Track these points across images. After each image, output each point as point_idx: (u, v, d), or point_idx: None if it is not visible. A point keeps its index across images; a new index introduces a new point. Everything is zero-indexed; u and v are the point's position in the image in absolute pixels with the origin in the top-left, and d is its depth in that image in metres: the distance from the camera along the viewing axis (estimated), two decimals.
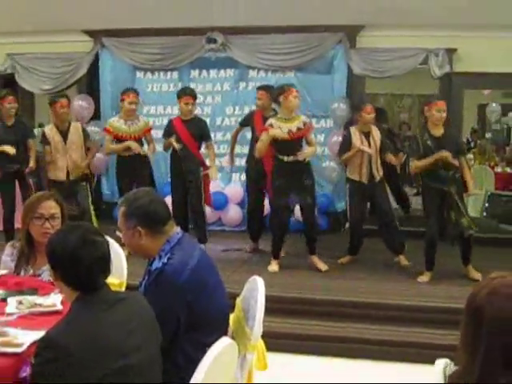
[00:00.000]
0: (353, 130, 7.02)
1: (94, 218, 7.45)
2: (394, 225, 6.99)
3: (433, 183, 6.37)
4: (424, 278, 6.45)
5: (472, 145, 12.13)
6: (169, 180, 7.98)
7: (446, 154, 6.22)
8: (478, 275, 6.32)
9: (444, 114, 6.35)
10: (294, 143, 6.59)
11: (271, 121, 6.61)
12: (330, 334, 5.54)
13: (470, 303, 2.10)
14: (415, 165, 6.41)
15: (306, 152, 6.62)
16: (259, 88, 7.57)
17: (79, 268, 2.44)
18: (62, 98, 7.37)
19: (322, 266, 6.74)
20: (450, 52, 8.48)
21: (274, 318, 5.07)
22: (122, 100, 7.37)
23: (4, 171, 7.45)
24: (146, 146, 7.57)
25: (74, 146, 7.41)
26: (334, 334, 5.52)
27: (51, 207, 3.67)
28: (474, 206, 10.70)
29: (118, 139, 7.34)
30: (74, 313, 2.41)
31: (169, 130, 7.43)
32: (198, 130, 7.37)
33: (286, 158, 6.57)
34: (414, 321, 5.59)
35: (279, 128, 6.51)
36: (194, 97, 7.41)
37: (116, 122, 7.38)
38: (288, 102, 6.53)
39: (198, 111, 9.19)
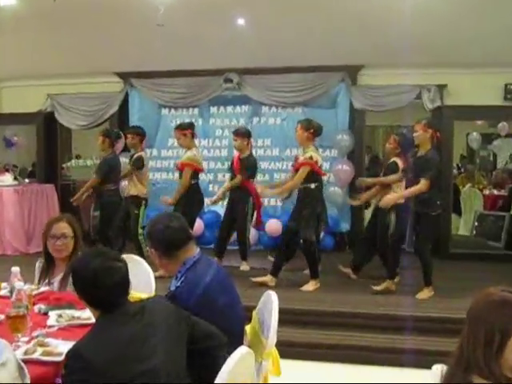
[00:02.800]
0: None
1: (142, 240, 7.35)
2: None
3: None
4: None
5: (462, 170, 12.08)
6: None
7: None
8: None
9: (415, 134, 6.04)
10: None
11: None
12: (339, 342, 5.49)
13: (473, 314, 2.10)
14: None
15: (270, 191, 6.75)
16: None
17: (99, 292, 2.45)
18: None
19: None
20: (441, 88, 8.51)
21: (287, 329, 5.03)
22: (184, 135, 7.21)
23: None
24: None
25: None
26: (343, 343, 5.47)
27: (62, 228, 3.76)
28: (464, 225, 10.67)
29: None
30: (97, 328, 2.43)
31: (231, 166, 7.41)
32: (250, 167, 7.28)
33: None
34: (410, 329, 5.48)
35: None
36: (241, 135, 7.24)
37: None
38: None
39: (216, 143, 9.27)
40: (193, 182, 7.13)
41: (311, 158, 6.38)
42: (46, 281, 3.78)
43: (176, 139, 7.36)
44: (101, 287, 2.44)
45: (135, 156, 7.44)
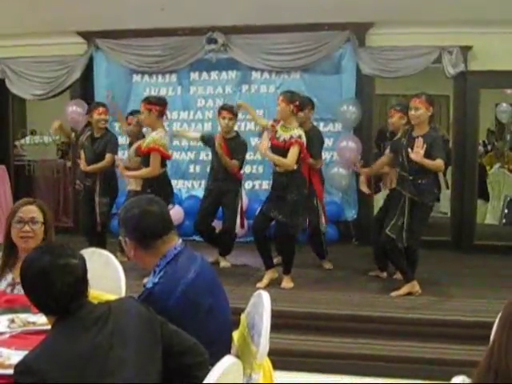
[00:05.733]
0: None
1: None
2: None
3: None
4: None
5: (489, 147, 12.10)
6: None
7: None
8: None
9: (414, 112, 6.03)
10: (278, 154, 6.46)
11: (277, 125, 6.60)
12: (342, 350, 5.50)
13: (506, 317, 2.11)
14: None
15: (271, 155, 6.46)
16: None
17: (49, 295, 2.43)
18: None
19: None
20: (465, 50, 8.46)
21: (281, 335, 5.05)
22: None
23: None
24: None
25: None
26: (347, 351, 5.48)
27: (31, 211, 3.67)
28: (491, 212, 10.71)
29: None
30: (51, 337, 2.42)
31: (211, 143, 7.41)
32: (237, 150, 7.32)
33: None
34: (426, 335, 5.54)
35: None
36: (232, 112, 7.29)
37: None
38: None
39: (198, 116, 9.26)
40: (161, 170, 6.80)
41: (300, 137, 6.39)
42: (10, 278, 3.64)
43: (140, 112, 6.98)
44: (50, 289, 2.42)
45: None
